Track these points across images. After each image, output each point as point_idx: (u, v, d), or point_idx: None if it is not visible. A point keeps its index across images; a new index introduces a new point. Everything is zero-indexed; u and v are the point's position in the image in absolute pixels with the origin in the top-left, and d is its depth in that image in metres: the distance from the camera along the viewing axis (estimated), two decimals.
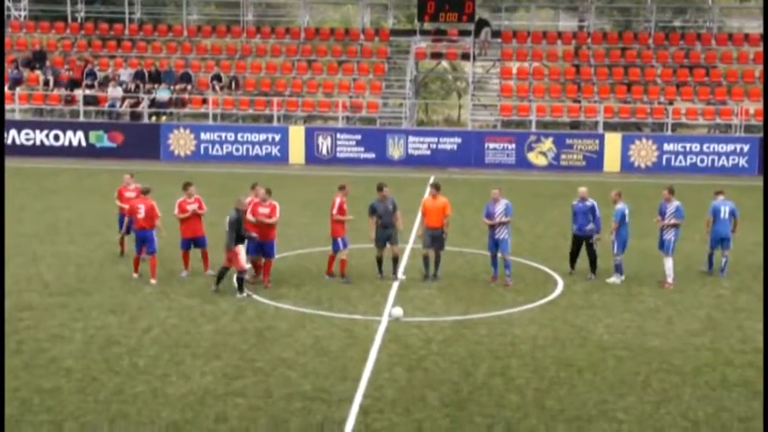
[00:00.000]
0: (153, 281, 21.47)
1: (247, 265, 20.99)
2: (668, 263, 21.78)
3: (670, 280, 21.67)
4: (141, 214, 21.72)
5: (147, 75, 47.06)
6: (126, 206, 22.98)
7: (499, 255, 21.92)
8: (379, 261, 22.13)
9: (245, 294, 20.51)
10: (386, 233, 21.98)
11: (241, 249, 20.64)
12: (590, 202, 22.23)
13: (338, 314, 19.19)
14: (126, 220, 23.01)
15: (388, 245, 22.06)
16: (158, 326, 18.20)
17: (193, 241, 22.29)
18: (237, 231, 20.51)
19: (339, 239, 21.78)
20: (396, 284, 21.49)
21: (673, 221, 21.76)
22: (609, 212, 22.34)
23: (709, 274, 22.63)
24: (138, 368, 15.82)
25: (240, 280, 20.64)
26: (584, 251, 22.43)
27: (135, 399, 14.44)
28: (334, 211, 21.79)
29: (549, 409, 14.33)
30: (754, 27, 54.13)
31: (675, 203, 21.91)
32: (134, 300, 20.05)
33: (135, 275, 21.88)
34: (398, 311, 18.95)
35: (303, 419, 13.73)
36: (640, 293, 21.17)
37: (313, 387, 15.04)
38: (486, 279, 22.05)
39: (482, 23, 50.29)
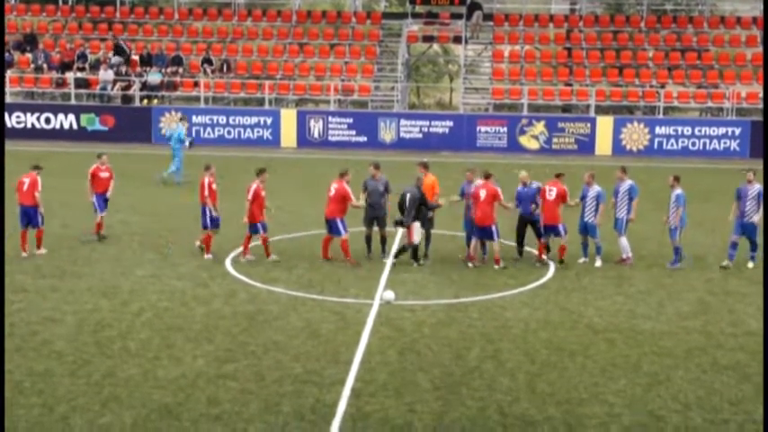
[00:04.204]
0: (40, 251, 22.19)
1: (418, 238, 21.74)
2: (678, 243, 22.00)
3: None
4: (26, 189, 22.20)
5: (117, 48, 46.92)
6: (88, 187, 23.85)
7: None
8: (368, 239, 22.31)
9: (422, 262, 21.74)
10: (373, 212, 22.12)
11: (417, 225, 21.43)
12: (534, 185, 22.31)
13: (330, 297, 19.20)
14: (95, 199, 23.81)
15: (376, 226, 22.16)
16: (150, 309, 18.19)
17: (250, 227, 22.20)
18: (417, 208, 21.30)
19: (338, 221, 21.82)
20: (387, 268, 21.51)
21: (676, 210, 21.80)
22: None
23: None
24: (130, 351, 15.82)
25: (415, 251, 21.74)
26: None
27: (127, 382, 14.44)
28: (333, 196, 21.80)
29: (540, 392, 14.37)
30: (747, 10, 54.15)
31: (677, 191, 21.90)
32: (126, 283, 20.04)
33: (25, 254, 22.11)
34: (390, 295, 18.97)
35: (295, 402, 13.74)
36: (631, 277, 21.21)
37: (305, 370, 15.05)
38: (461, 258, 22.14)
39: (474, 6, 50.22)
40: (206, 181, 22.20)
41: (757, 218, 21.78)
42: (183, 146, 33.95)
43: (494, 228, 21.63)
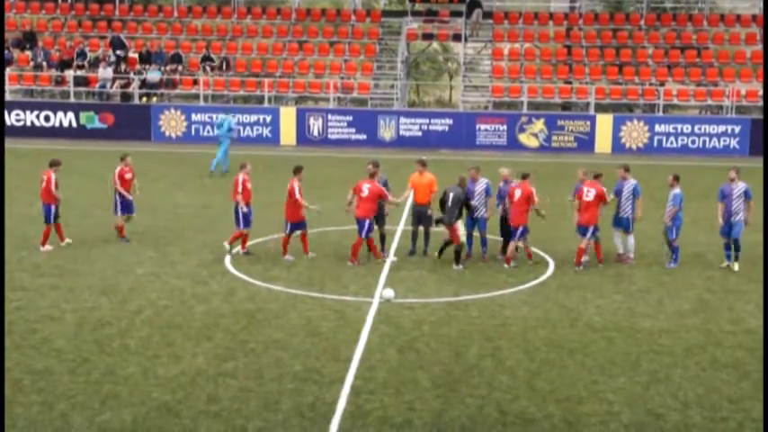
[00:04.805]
0: (45, 248, 22.52)
1: (463, 238, 21.75)
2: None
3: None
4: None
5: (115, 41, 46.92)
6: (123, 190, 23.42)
7: (476, 234, 22.28)
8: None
9: (461, 267, 21.44)
10: None
11: (460, 225, 21.49)
12: (515, 182, 22.32)
13: (329, 295, 19.20)
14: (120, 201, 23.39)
15: (375, 225, 22.17)
16: (150, 307, 18.20)
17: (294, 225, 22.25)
18: (459, 208, 21.39)
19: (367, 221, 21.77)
20: (387, 266, 21.52)
21: (671, 209, 21.80)
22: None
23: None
24: (130, 349, 15.82)
25: (457, 252, 21.53)
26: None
27: (126, 380, 14.45)
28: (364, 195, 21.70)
29: (539, 390, 14.38)
30: (746, 8, 54.14)
31: (675, 191, 21.90)
32: (125, 281, 20.04)
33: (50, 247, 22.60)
34: (390, 293, 18.97)
35: (294, 400, 13.75)
36: (631, 275, 21.23)
37: (304, 368, 15.06)
38: (464, 257, 22.22)
39: (473, 4, 50.15)
40: (240, 179, 22.19)
41: (743, 216, 21.74)
42: (230, 136, 35.52)
43: (520, 229, 21.67)
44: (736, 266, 21.81)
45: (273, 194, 22.58)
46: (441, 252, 22.13)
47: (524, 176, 22.06)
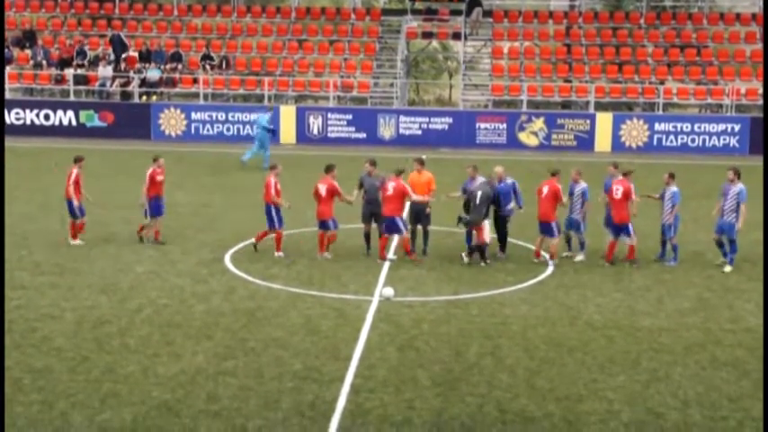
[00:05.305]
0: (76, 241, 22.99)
1: (488, 238, 21.72)
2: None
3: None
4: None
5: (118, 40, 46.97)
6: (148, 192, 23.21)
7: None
8: (366, 236, 22.28)
9: (488, 262, 21.60)
10: (369, 208, 22.16)
11: (487, 224, 21.50)
12: (510, 180, 22.33)
13: (329, 294, 19.20)
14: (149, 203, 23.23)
15: (374, 223, 22.17)
16: (149, 306, 18.20)
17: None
18: (487, 207, 21.48)
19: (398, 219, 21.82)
20: (386, 265, 21.52)
21: (672, 207, 21.79)
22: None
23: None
24: (129, 348, 15.82)
25: (482, 251, 21.60)
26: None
27: (126, 378, 14.45)
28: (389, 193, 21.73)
29: (539, 388, 14.38)
30: (746, 6, 54.13)
31: (672, 188, 21.91)
32: (125, 279, 20.04)
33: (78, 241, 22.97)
34: (389, 291, 18.97)
35: (294, 399, 13.75)
36: (631, 273, 21.22)
37: (304, 367, 15.06)
38: (461, 255, 22.21)
39: (473, 3, 50.19)
40: (272, 180, 22.17)
41: (734, 218, 21.66)
42: (267, 132, 36.76)
43: (554, 225, 21.71)
44: (727, 268, 21.71)
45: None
46: (471, 253, 21.96)
47: (554, 173, 22.11)
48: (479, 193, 21.50)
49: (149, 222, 23.35)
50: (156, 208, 23.27)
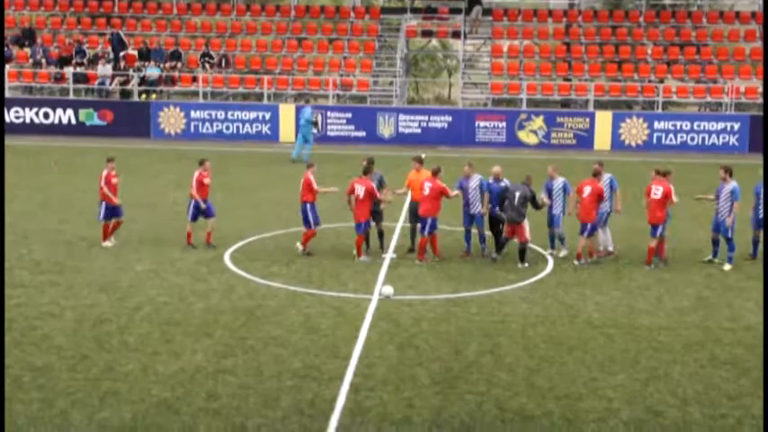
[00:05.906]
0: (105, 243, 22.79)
1: (529, 237, 21.81)
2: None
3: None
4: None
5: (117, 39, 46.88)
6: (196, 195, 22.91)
7: (474, 230, 22.31)
8: (366, 236, 22.27)
9: (526, 264, 21.43)
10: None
11: (526, 223, 21.68)
12: (504, 182, 22.30)
13: (329, 292, 19.20)
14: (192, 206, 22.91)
15: (373, 222, 22.17)
16: (149, 304, 18.20)
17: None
18: (525, 206, 21.59)
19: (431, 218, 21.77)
20: (386, 263, 21.53)
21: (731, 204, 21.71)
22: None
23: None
24: (129, 346, 15.82)
25: (523, 250, 21.60)
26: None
27: (126, 376, 14.45)
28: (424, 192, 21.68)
29: (538, 386, 14.38)
30: (746, 5, 54.08)
31: (731, 184, 21.74)
32: (125, 278, 20.04)
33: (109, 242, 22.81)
34: (389, 290, 18.97)
35: (294, 397, 13.75)
36: (630, 272, 21.23)
37: (304, 365, 15.06)
38: (461, 254, 22.20)
39: (473, 1, 50.19)
40: (311, 178, 22.11)
41: (729, 218, 21.63)
42: (310, 126, 37.82)
43: (588, 225, 21.69)
44: (726, 266, 21.70)
45: (272, 192, 22.50)
46: (500, 249, 22.02)
47: (595, 174, 22.00)
48: (517, 194, 21.56)
49: (191, 227, 23.00)
50: (208, 210, 22.92)
